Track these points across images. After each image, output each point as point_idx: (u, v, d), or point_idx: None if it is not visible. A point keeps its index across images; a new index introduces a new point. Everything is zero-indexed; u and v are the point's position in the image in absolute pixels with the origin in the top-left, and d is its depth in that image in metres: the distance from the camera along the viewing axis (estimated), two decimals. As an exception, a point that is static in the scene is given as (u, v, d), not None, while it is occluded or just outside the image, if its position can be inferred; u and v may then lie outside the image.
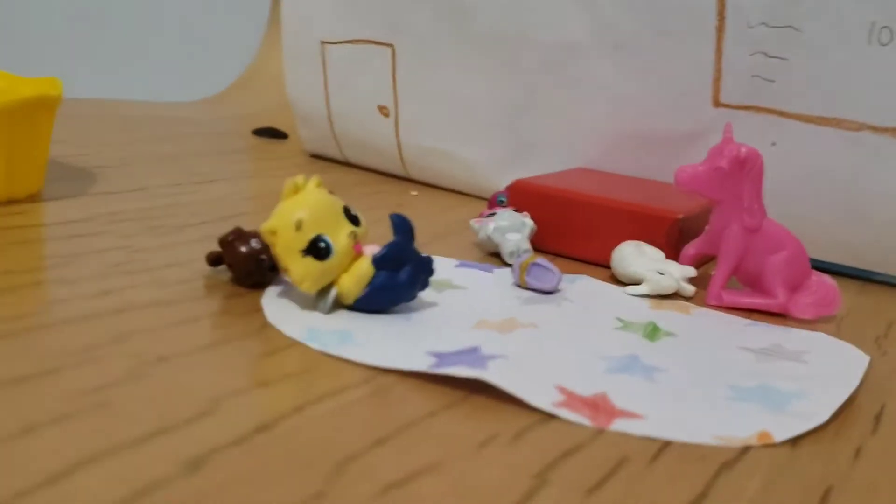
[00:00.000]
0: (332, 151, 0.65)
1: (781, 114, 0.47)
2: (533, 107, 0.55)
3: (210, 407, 0.24)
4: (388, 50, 0.58)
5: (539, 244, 0.47)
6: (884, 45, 0.44)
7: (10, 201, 0.43)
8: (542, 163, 0.56)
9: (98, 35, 0.71)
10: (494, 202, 0.52)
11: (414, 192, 0.59)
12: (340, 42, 0.60)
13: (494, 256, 0.45)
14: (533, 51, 0.54)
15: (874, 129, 0.45)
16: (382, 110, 0.60)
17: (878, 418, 0.29)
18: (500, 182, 0.57)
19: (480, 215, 0.47)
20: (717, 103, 0.49)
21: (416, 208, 0.55)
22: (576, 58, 0.53)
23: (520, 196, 0.48)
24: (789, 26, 0.46)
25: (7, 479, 0.19)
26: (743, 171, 0.39)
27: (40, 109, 0.44)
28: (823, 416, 0.28)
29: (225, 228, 0.44)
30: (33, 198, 0.44)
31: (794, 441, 0.27)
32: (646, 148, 0.52)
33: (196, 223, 0.44)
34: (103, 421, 0.23)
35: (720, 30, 0.48)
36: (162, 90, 0.85)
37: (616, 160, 0.53)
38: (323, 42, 0.61)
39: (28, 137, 0.43)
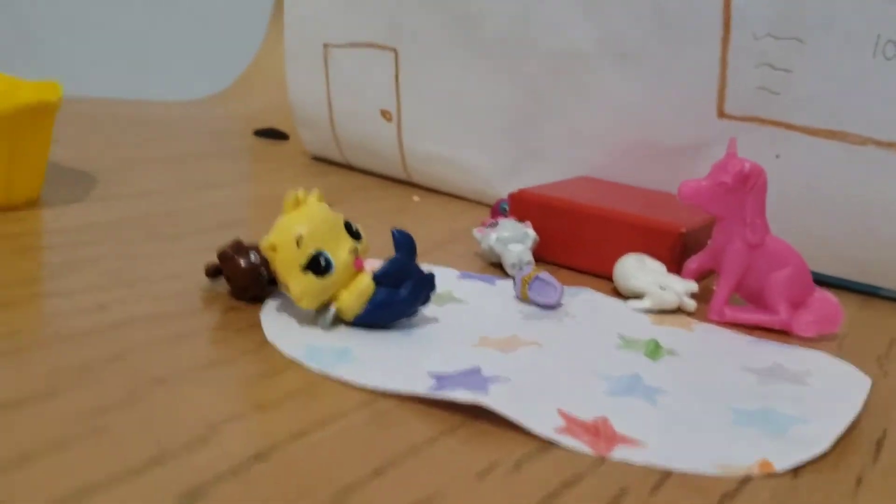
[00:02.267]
0: (333, 154, 0.65)
1: (786, 126, 0.47)
2: (538, 114, 0.55)
3: (207, 433, 0.24)
4: (392, 54, 0.58)
5: (541, 255, 0.47)
6: (889, 59, 0.44)
7: (9, 208, 0.43)
8: (546, 170, 0.55)
9: (100, 33, 0.71)
10: (497, 210, 0.52)
11: (416, 198, 0.59)
12: (343, 45, 0.60)
13: (496, 267, 0.45)
14: (539, 58, 0.53)
15: (879, 143, 0.45)
16: (385, 114, 0.60)
17: (879, 445, 0.29)
18: (504, 189, 0.56)
19: (483, 224, 0.47)
20: (721, 114, 0.49)
21: (419, 214, 0.54)
22: (582, 66, 0.52)
23: (522, 206, 0.47)
24: (795, 38, 0.46)
25: (2, 512, 0.19)
26: (746, 186, 0.39)
27: (40, 115, 0.43)
28: (825, 445, 0.28)
29: (225, 236, 0.43)
30: (32, 204, 0.44)
31: (795, 470, 0.26)
32: (650, 157, 0.52)
33: (195, 231, 0.43)
34: (100, 448, 0.22)
35: (726, 40, 0.47)
36: (164, 88, 0.84)
37: (621, 169, 0.53)
38: (325, 45, 0.60)
39: (27, 143, 0.43)
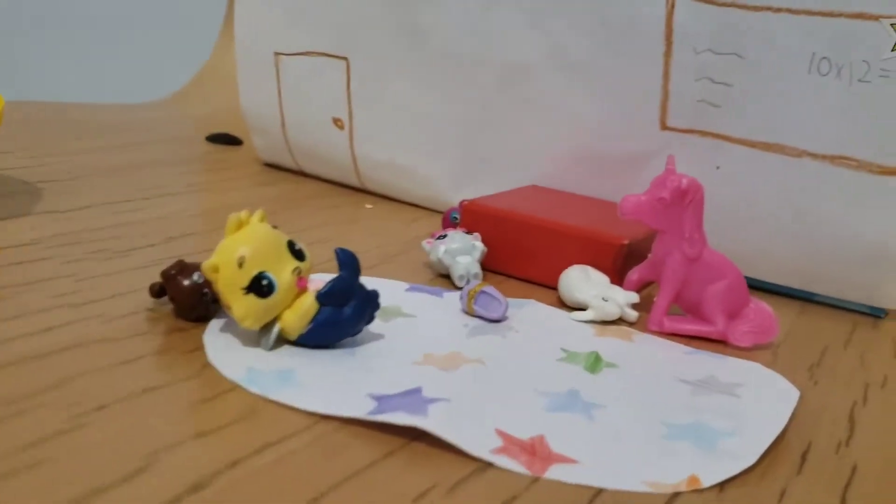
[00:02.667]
0: (286, 161, 0.65)
1: (726, 138, 0.48)
2: (488, 124, 0.55)
3: (146, 463, 0.24)
4: (343, 63, 0.58)
5: (490, 265, 0.47)
6: (823, 75, 0.45)
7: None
8: (496, 178, 0.56)
9: (50, 34, 0.70)
10: (448, 219, 0.53)
11: (369, 206, 0.59)
12: (294, 54, 0.60)
13: (445, 278, 0.45)
14: (488, 69, 0.54)
15: (813, 155, 0.46)
16: (337, 122, 0.60)
17: (804, 457, 0.30)
18: (455, 196, 0.57)
19: (432, 236, 0.47)
20: (664, 126, 0.50)
21: (371, 222, 0.55)
22: (529, 78, 0.53)
23: (472, 217, 0.48)
24: (734, 54, 0.47)
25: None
26: (684, 202, 0.40)
27: None
28: (751, 459, 0.29)
29: (173, 249, 0.44)
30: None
31: (722, 484, 0.28)
32: (596, 167, 0.53)
33: (143, 245, 0.44)
34: (37, 482, 0.23)
35: (668, 55, 0.48)
36: (115, 91, 0.84)
37: (568, 177, 0.54)
38: (276, 53, 0.60)
39: None
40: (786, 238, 0.48)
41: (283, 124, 0.62)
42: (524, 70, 0.53)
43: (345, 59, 0.58)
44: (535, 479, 0.26)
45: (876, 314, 0.48)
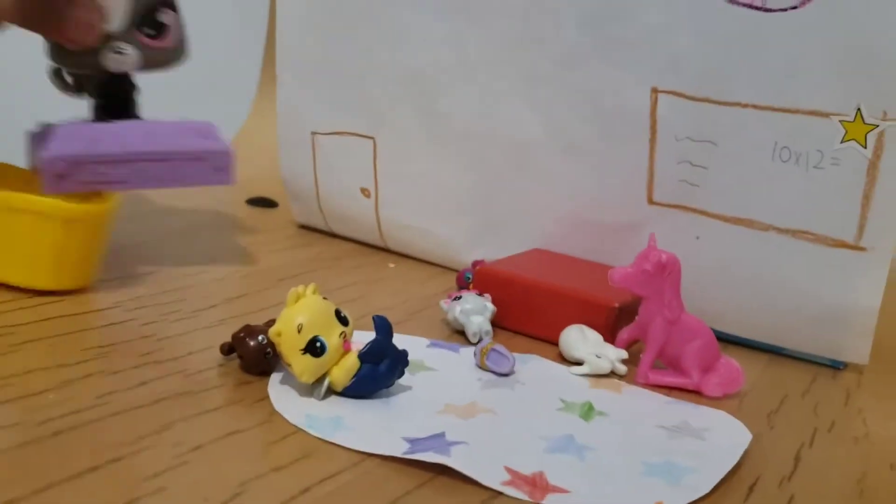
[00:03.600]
0: (319, 224, 0.73)
1: (704, 213, 0.56)
2: (497, 193, 0.63)
3: (241, 489, 0.32)
4: (371, 142, 0.66)
5: (499, 322, 0.55)
6: (784, 161, 0.53)
7: (53, 292, 0.50)
8: (505, 241, 0.64)
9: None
10: (462, 279, 0.61)
11: (391, 265, 0.67)
12: (328, 133, 0.68)
13: (460, 334, 0.53)
14: (497, 146, 0.62)
15: (778, 229, 0.54)
16: (364, 192, 0.68)
17: (751, 488, 0.37)
18: (468, 256, 0.65)
19: (449, 296, 0.55)
20: (650, 201, 0.58)
21: (394, 281, 0.63)
22: (533, 154, 0.61)
23: (483, 280, 0.56)
24: (709, 141, 0.55)
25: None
26: (664, 273, 0.47)
27: (106, 220, 0.51)
28: (706, 489, 0.36)
29: (232, 309, 0.51)
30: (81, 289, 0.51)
31: (684, 511, 0.35)
32: (592, 233, 0.60)
33: (207, 307, 0.51)
34: (162, 505, 0.30)
35: (653, 140, 0.56)
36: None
37: (569, 241, 0.62)
38: (313, 133, 0.69)
39: (87, 242, 0.50)
40: (755, 299, 0.55)
41: (317, 192, 0.70)
42: (529, 148, 0.61)
43: (372, 138, 0.66)
44: (536, 506, 0.34)
45: (835, 366, 0.55)
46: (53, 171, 0.49)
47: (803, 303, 0.54)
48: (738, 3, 0.53)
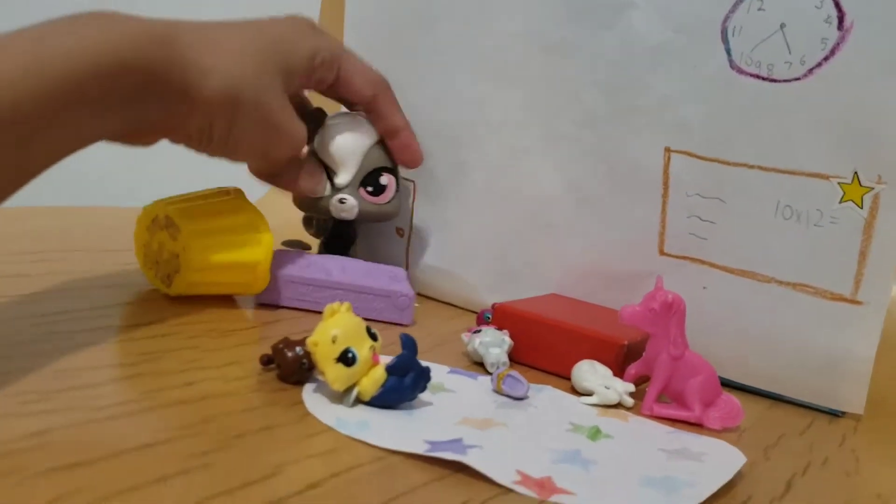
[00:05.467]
0: (349, 263, 0.78)
1: (711, 265, 0.60)
2: (518, 241, 0.68)
3: (277, 470, 0.35)
4: (411, 184, 0.72)
5: (516, 357, 0.58)
6: (786, 219, 0.57)
7: (93, 307, 0.54)
8: (523, 286, 0.68)
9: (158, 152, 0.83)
10: (482, 318, 0.64)
11: (416, 304, 0.71)
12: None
13: (479, 365, 0.57)
14: (519, 199, 0.67)
15: (780, 282, 0.57)
16: (399, 231, 0.73)
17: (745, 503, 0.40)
18: (489, 299, 0.69)
19: (469, 330, 0.59)
20: (661, 252, 0.62)
21: (420, 318, 0.67)
22: (552, 207, 0.66)
23: (502, 317, 0.60)
24: (717, 198, 0.59)
25: (158, 507, 0.31)
26: (669, 312, 0.51)
27: None
28: (700, 499, 0.39)
29: (266, 332, 0.55)
30: (115, 301, 0.56)
31: (679, 518, 0.38)
32: (606, 281, 0.64)
33: (246, 328, 0.55)
34: (210, 476, 0.34)
35: (665, 196, 0.61)
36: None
37: (583, 288, 0.66)
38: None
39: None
40: (758, 348, 0.59)
41: (353, 231, 0.75)
42: (547, 202, 0.66)
43: (412, 181, 0.72)
44: (542, 501, 0.37)
45: (834, 414, 0.58)
46: (276, 287, 0.60)
47: (802, 352, 0.57)
48: (746, 74, 0.58)
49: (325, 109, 0.67)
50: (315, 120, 0.65)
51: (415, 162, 0.66)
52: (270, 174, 0.63)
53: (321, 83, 0.60)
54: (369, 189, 0.65)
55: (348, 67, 0.60)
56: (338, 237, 0.69)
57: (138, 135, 0.51)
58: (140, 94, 0.46)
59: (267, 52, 0.54)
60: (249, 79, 0.52)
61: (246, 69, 0.51)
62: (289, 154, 0.58)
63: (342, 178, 0.64)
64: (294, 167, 0.63)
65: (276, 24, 0.56)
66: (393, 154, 0.65)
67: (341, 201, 0.64)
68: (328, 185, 0.65)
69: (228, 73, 0.50)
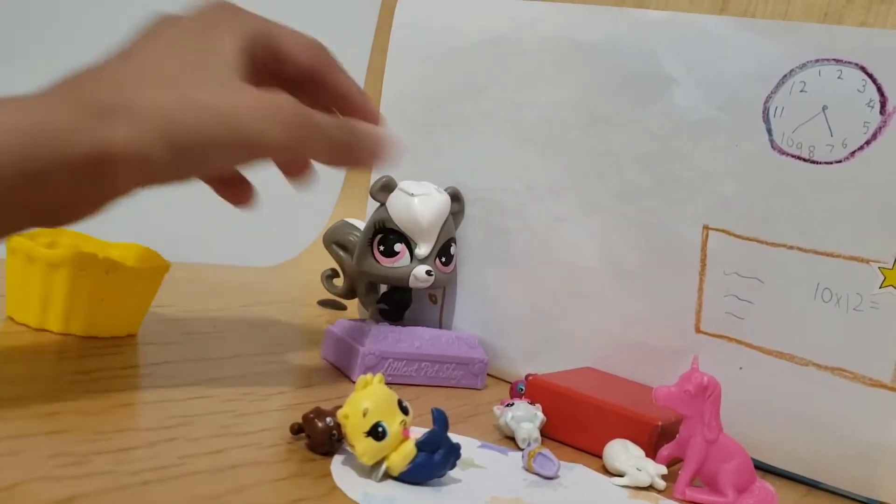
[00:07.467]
0: (383, 328, 0.78)
1: (748, 345, 0.59)
2: (554, 312, 0.68)
3: (303, 548, 0.35)
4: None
5: (548, 432, 0.58)
6: (826, 302, 0.56)
7: (131, 365, 0.55)
8: (558, 358, 0.67)
9: (188, 204, 0.84)
10: (515, 390, 0.64)
11: (450, 373, 0.71)
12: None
13: (510, 440, 0.56)
14: (556, 268, 0.67)
15: (818, 366, 0.57)
16: (431, 298, 0.73)
17: None
18: (523, 369, 0.68)
19: (502, 403, 0.58)
20: (698, 330, 0.61)
21: (451, 387, 0.66)
22: (589, 278, 0.66)
23: (535, 390, 0.59)
24: (755, 278, 0.59)
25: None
26: (705, 395, 0.50)
27: (158, 274, 0.59)
28: None
29: (300, 397, 0.56)
30: (153, 360, 0.57)
31: None
32: (641, 357, 0.64)
33: (278, 392, 0.56)
34: (235, 552, 0.34)
35: (702, 273, 0.60)
36: (244, 255, 0.99)
37: (618, 362, 0.65)
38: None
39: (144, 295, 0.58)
40: (793, 431, 0.57)
41: (385, 298, 0.76)
42: (585, 272, 0.66)
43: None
44: None
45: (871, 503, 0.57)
46: (365, 364, 0.61)
47: (840, 438, 0.56)
48: (787, 154, 0.58)
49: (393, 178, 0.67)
50: (385, 188, 0.66)
51: (377, 122, 0.56)
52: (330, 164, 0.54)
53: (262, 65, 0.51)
54: (443, 259, 0.66)
55: (282, 39, 0.52)
56: (399, 303, 0.70)
57: (65, 214, 0.45)
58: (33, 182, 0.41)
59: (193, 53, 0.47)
60: (171, 104, 0.44)
61: (167, 95, 0.45)
62: (284, 136, 0.48)
63: (424, 250, 0.64)
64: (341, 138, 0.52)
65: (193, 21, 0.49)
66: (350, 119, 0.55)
67: (429, 273, 0.64)
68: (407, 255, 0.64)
69: (143, 110, 0.44)
